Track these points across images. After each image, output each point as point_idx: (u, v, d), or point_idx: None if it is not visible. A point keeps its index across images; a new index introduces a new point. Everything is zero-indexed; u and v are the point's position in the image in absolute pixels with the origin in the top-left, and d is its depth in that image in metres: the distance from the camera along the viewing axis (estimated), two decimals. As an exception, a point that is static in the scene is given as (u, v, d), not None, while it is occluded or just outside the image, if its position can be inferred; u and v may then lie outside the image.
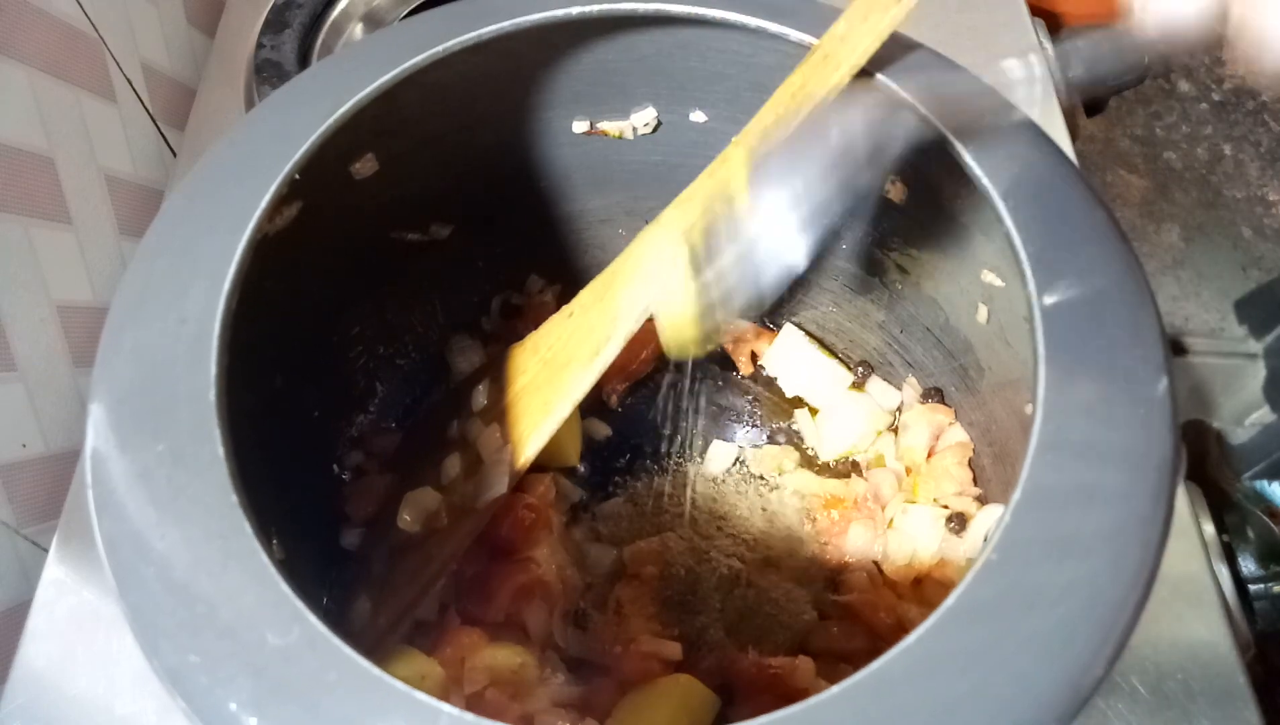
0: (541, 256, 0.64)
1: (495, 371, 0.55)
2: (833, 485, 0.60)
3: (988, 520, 0.52)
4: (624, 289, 0.46)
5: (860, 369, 0.62)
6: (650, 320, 0.52)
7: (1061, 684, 0.29)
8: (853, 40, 0.41)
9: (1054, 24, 0.87)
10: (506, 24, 0.44)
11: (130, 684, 0.52)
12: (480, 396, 0.55)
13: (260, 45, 0.75)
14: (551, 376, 0.49)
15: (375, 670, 0.29)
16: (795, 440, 0.63)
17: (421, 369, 0.63)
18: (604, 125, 0.55)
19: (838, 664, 0.51)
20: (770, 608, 0.54)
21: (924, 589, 0.53)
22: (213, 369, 0.34)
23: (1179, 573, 0.54)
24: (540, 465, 0.54)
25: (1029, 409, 0.33)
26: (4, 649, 0.55)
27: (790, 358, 0.63)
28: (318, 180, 0.41)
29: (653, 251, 0.45)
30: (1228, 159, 1.27)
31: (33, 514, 0.60)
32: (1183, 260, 1.24)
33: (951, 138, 0.40)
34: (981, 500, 0.53)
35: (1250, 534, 0.58)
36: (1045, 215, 0.37)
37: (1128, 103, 1.31)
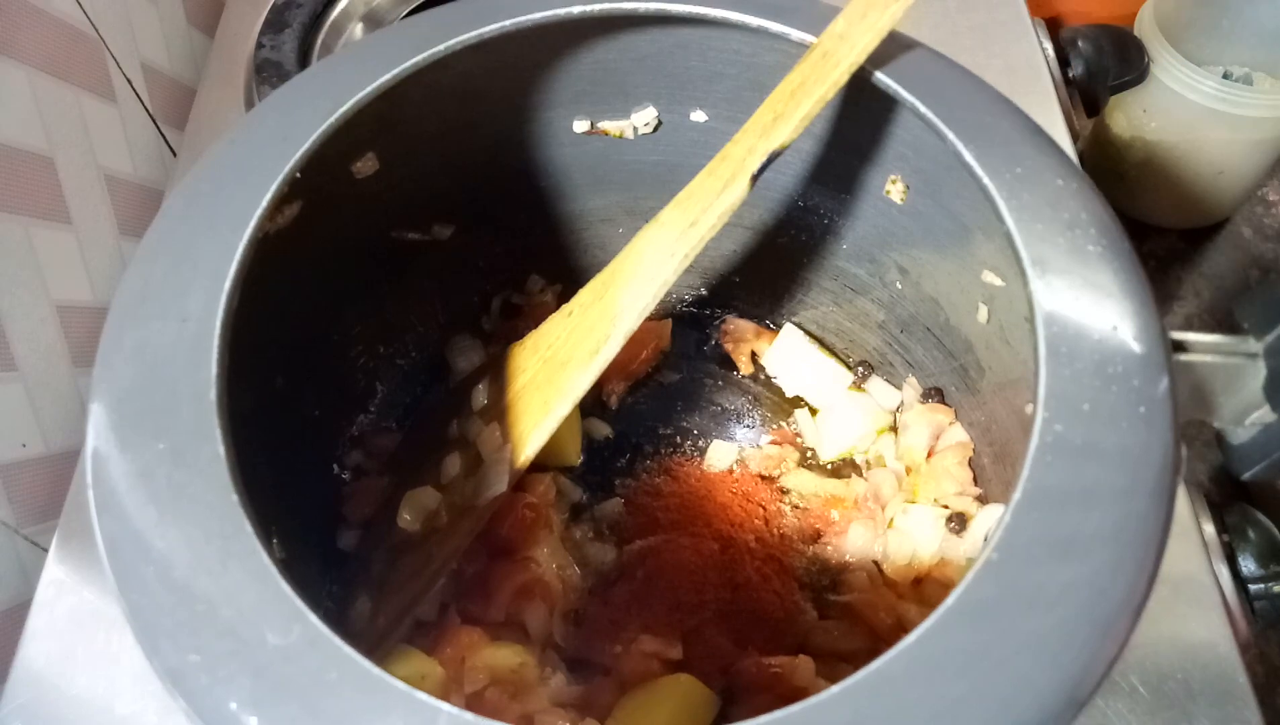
0: (542, 256, 0.64)
1: (495, 370, 0.56)
2: (833, 485, 0.60)
3: (988, 520, 0.52)
4: (623, 288, 0.46)
5: (860, 369, 0.62)
6: (650, 320, 0.52)
7: (1061, 684, 0.29)
8: (852, 38, 0.41)
9: (1054, 24, 0.87)
10: (507, 24, 0.44)
11: (130, 684, 0.52)
12: (480, 395, 0.55)
13: (260, 45, 0.75)
14: (551, 375, 0.49)
15: (375, 670, 0.29)
16: (795, 440, 0.63)
17: (421, 369, 0.63)
18: (604, 125, 0.55)
19: (838, 664, 0.51)
20: (770, 608, 0.54)
21: (924, 589, 0.53)
22: (213, 368, 0.34)
23: (1179, 573, 0.54)
24: (540, 465, 0.54)
25: (1029, 409, 0.33)
26: (4, 649, 0.55)
27: (790, 358, 0.63)
28: (318, 179, 0.41)
29: (652, 250, 0.45)
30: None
31: (33, 514, 0.60)
32: (1183, 260, 1.24)
33: (952, 137, 0.40)
34: (981, 500, 0.53)
35: (1250, 534, 0.58)
36: (1046, 215, 0.37)
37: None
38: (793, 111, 0.42)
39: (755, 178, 0.43)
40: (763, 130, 0.43)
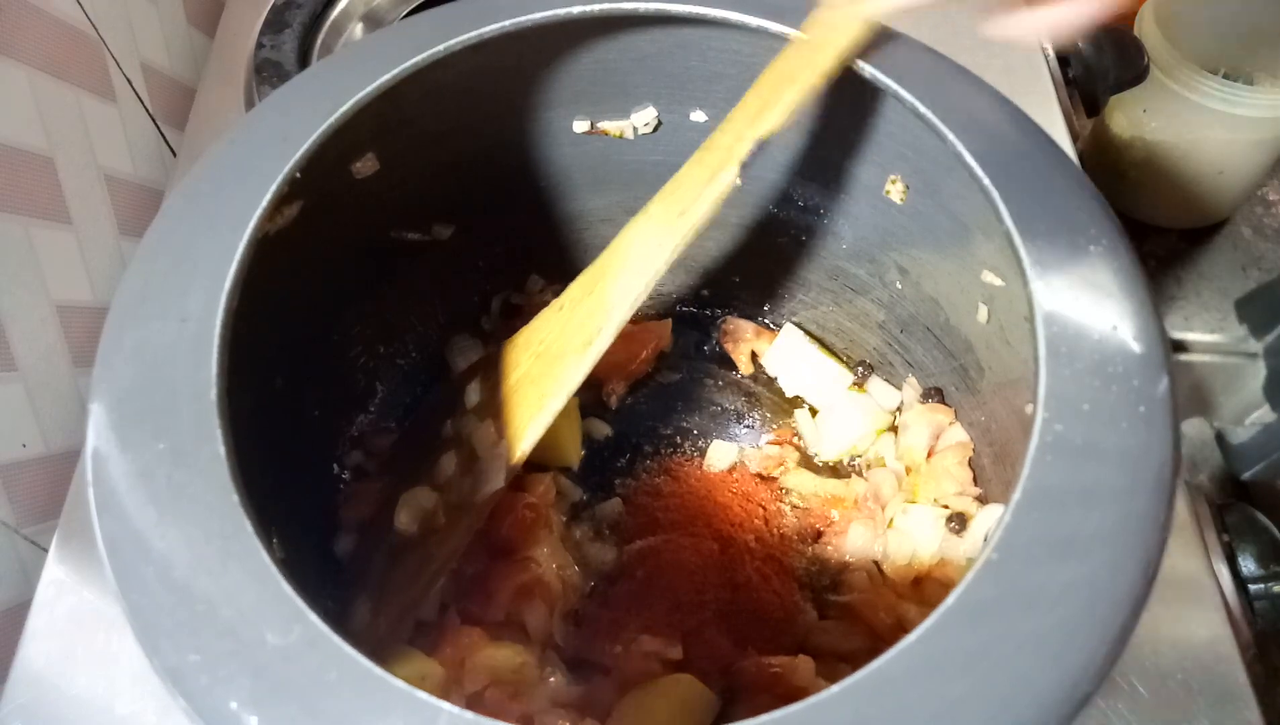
0: (541, 256, 0.64)
1: (488, 367, 0.55)
2: (833, 485, 0.60)
3: (988, 520, 0.52)
4: (614, 280, 0.46)
5: (860, 369, 0.62)
6: (650, 320, 0.52)
7: (1061, 684, 0.29)
8: (841, 27, 0.41)
9: (1054, 24, 0.87)
10: (507, 24, 0.44)
11: (130, 684, 0.52)
12: (474, 393, 0.55)
13: (260, 45, 0.75)
14: (545, 370, 0.49)
15: (375, 670, 0.29)
16: (795, 440, 0.63)
17: (421, 369, 0.63)
18: (604, 125, 0.55)
19: (838, 664, 0.51)
20: (770, 608, 0.54)
21: (924, 589, 0.53)
22: (213, 368, 0.34)
23: (1179, 573, 0.54)
24: (540, 465, 0.54)
25: (1029, 409, 0.33)
26: (4, 649, 0.55)
27: (790, 358, 0.63)
28: (318, 180, 0.41)
29: (641, 242, 0.45)
30: (1228, 159, 1.27)
31: (33, 514, 0.60)
32: (1183, 260, 1.24)
33: (952, 137, 0.40)
34: (981, 500, 0.53)
35: (1250, 534, 0.58)
36: (1046, 215, 0.37)
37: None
38: (779, 98, 0.42)
39: (744, 165, 0.43)
40: (750, 118, 0.43)
